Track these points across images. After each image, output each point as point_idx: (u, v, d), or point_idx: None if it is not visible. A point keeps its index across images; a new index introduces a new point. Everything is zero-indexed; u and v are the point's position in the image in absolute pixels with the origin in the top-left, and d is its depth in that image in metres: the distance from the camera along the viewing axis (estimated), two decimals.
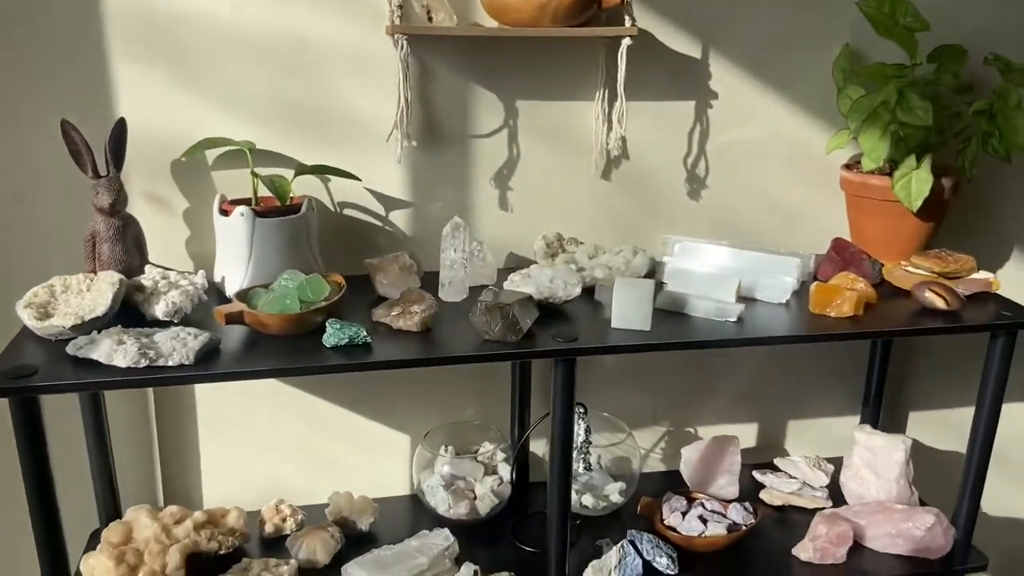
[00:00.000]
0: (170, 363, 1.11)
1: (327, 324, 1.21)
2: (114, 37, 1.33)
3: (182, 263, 1.46)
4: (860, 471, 1.65)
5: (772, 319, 1.35)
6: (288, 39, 1.39)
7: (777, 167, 1.62)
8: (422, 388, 1.63)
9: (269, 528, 1.50)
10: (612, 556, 1.41)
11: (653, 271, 1.49)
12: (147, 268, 1.31)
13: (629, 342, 1.24)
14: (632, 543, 1.45)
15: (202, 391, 1.54)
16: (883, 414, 1.78)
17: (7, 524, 1.53)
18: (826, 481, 1.66)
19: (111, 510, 1.48)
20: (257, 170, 1.37)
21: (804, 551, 1.49)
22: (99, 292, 1.22)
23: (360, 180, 1.44)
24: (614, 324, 1.28)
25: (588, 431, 1.52)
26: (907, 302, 1.41)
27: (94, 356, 1.11)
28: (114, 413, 1.47)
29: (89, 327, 1.18)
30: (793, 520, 1.60)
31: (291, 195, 1.35)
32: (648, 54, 1.49)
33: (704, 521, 1.51)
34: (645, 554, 1.44)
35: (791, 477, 1.68)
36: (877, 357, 1.71)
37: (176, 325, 1.23)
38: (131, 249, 1.33)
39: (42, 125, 1.33)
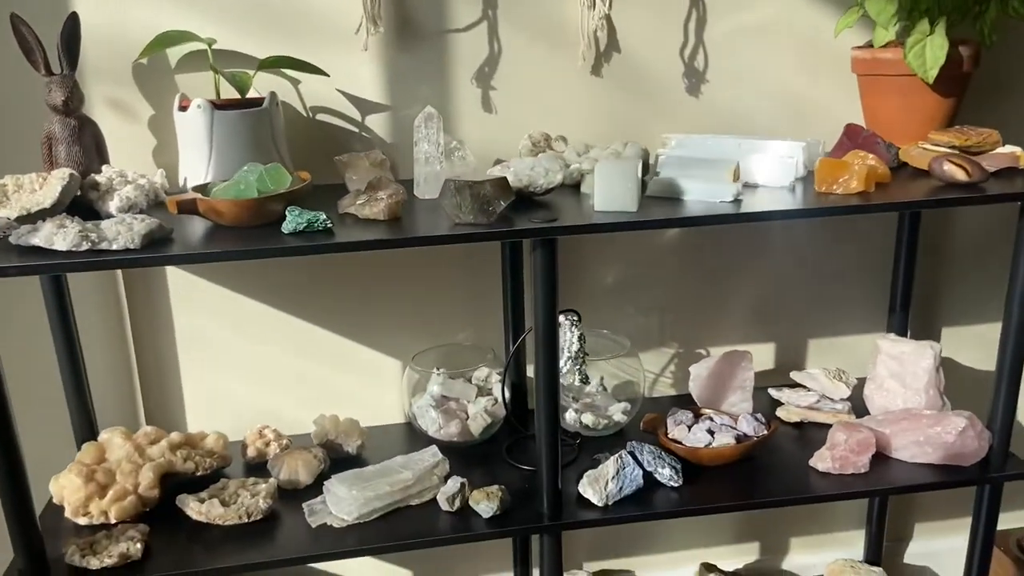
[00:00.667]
0: (114, 247, 1.04)
1: (287, 212, 1.13)
2: None
3: (149, 172, 1.39)
4: (885, 382, 1.53)
5: (774, 201, 1.24)
6: None
7: (782, 55, 1.51)
8: (414, 310, 1.55)
9: (251, 452, 1.43)
10: (609, 466, 1.31)
11: (647, 164, 1.39)
12: (104, 168, 1.25)
13: (614, 222, 1.14)
14: (632, 454, 1.35)
15: (178, 311, 1.48)
16: (911, 330, 1.65)
17: None
18: (847, 393, 1.54)
19: (88, 436, 1.42)
20: (219, 68, 1.30)
21: (822, 461, 1.38)
22: (50, 187, 1.16)
23: (327, 75, 1.36)
24: (597, 207, 1.18)
25: (582, 339, 1.42)
26: (925, 181, 1.29)
27: (35, 242, 1.04)
28: (89, 340, 1.41)
29: (35, 218, 1.11)
30: (812, 435, 1.49)
31: (255, 91, 1.27)
32: None
33: (712, 433, 1.40)
34: (646, 465, 1.34)
35: (809, 391, 1.56)
36: (903, 255, 1.57)
37: None
38: (89, 151, 1.27)
39: None
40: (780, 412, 1.55)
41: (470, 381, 1.53)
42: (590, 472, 1.32)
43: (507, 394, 1.49)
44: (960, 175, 1.23)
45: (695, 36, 1.48)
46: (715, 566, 1.77)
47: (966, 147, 1.30)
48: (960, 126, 1.37)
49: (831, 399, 1.54)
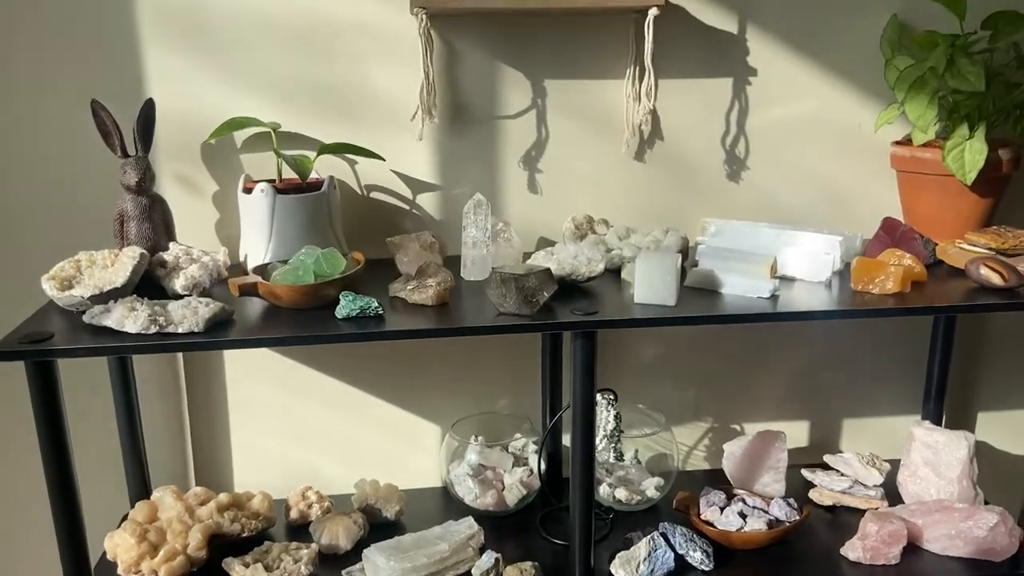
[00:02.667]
0: (180, 330, 1.11)
1: (341, 296, 1.19)
2: (144, 19, 1.36)
3: (211, 246, 1.47)
4: (919, 470, 1.54)
5: (810, 297, 1.27)
6: (313, 20, 1.39)
7: (822, 146, 1.55)
8: (455, 378, 1.60)
9: (294, 514, 1.49)
10: (641, 548, 1.34)
11: (686, 251, 1.43)
12: (171, 245, 1.32)
13: (653, 317, 1.19)
14: (664, 535, 1.38)
15: (232, 376, 1.54)
16: (947, 413, 1.66)
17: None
18: (880, 479, 1.55)
19: (141, 494, 1.49)
20: (281, 151, 1.38)
21: (853, 550, 1.39)
22: (121, 266, 1.24)
23: (384, 160, 1.43)
24: (637, 299, 1.23)
25: (618, 418, 1.45)
26: (961, 281, 1.31)
27: (107, 323, 1.12)
28: (145, 400, 1.48)
29: (107, 297, 1.19)
30: (844, 521, 1.50)
31: (314, 173, 1.34)
32: (680, 29, 1.45)
33: (744, 516, 1.43)
34: (678, 547, 1.37)
35: (842, 475, 1.58)
36: (938, 349, 1.59)
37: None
38: (159, 228, 1.34)
39: (75, 106, 1.37)
40: (813, 494, 1.56)
41: (507, 450, 1.57)
42: (623, 553, 1.35)
43: (543, 466, 1.52)
44: (996, 279, 1.25)
45: (737, 125, 1.53)
46: None
47: (1003, 250, 1.33)
48: (998, 227, 1.39)
49: (864, 485, 1.55)
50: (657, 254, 1.23)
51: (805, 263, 1.34)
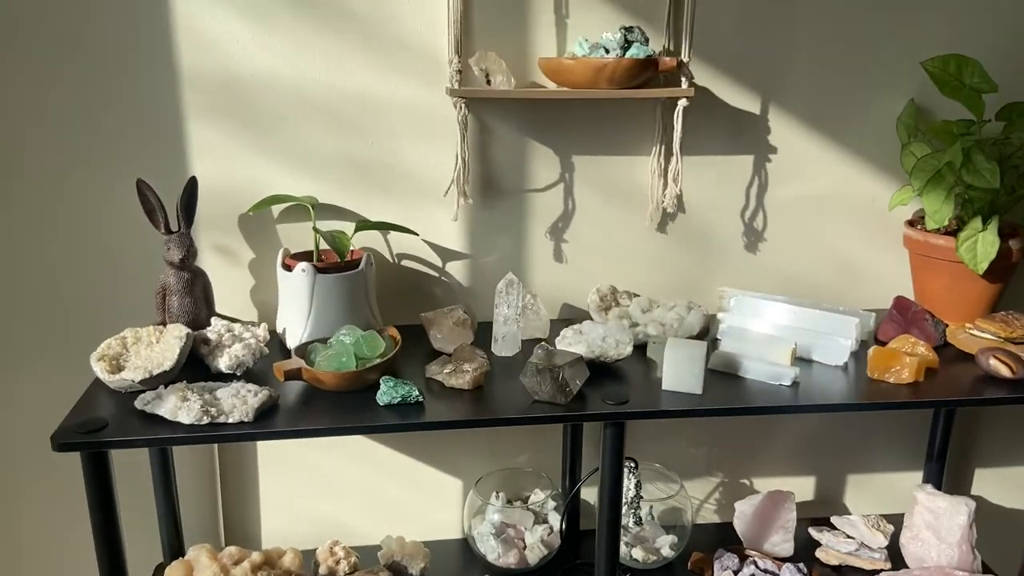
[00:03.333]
0: (231, 420, 1.16)
1: (381, 381, 1.24)
2: (186, 99, 1.40)
3: (247, 311, 1.51)
4: (921, 533, 1.61)
5: (829, 383, 1.33)
6: (350, 98, 1.43)
7: (838, 222, 1.60)
8: (476, 436, 1.65)
9: (323, 570, 1.54)
10: None
11: (707, 328, 1.48)
12: (213, 320, 1.36)
13: (680, 406, 1.24)
14: None
15: None
16: (947, 471, 1.73)
17: (74, 552, 1.61)
18: (885, 543, 1.63)
19: (175, 545, 1.54)
20: (319, 224, 1.42)
21: None
22: (167, 345, 1.28)
23: (418, 235, 1.47)
24: (665, 386, 1.28)
25: (639, 486, 1.52)
26: (970, 367, 1.37)
27: (160, 412, 1.16)
28: (179, 454, 1.53)
29: (157, 381, 1.23)
30: None
31: (351, 249, 1.39)
32: (705, 109, 1.49)
33: None
34: None
35: (848, 537, 1.65)
36: (941, 416, 1.66)
37: (238, 378, 1.28)
38: (199, 301, 1.38)
39: (119, 184, 1.40)
40: (820, 553, 1.63)
41: (527, 505, 1.63)
42: None
43: (563, 527, 1.58)
44: (1004, 371, 1.32)
45: (756, 200, 1.58)
46: None
47: (1011, 338, 1.39)
48: (1006, 312, 1.45)
49: (869, 547, 1.62)
50: (685, 344, 1.28)
51: (823, 347, 1.39)
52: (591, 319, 1.52)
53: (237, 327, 1.35)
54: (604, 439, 1.25)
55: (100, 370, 1.24)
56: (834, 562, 1.62)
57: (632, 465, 1.51)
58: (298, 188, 1.46)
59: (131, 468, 1.53)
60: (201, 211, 1.42)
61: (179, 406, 1.15)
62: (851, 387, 1.32)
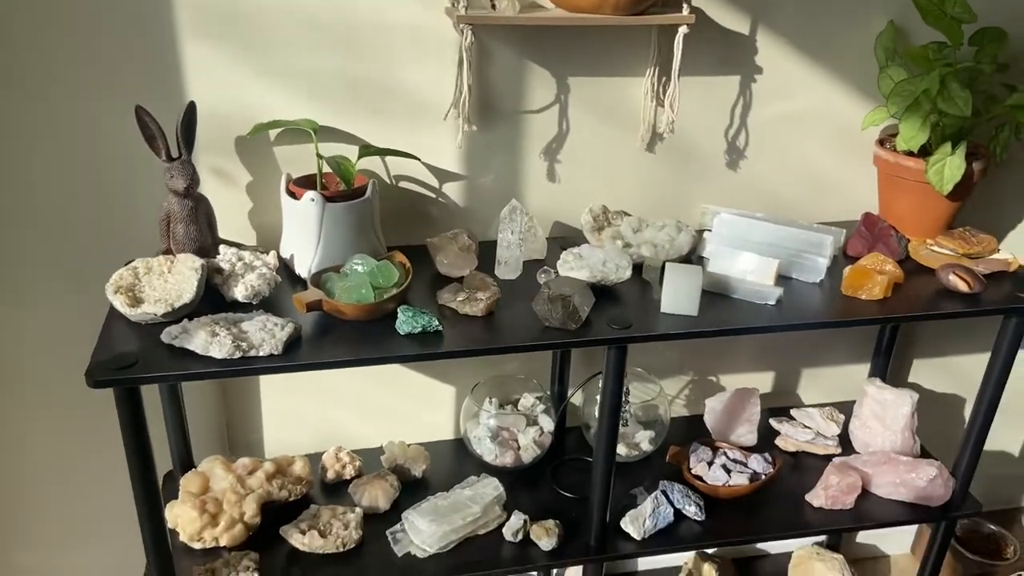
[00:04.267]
0: (261, 353, 1.20)
1: (399, 311, 1.29)
2: (182, 20, 1.35)
3: (246, 234, 1.52)
4: (868, 422, 1.79)
5: (808, 300, 1.44)
6: (346, 18, 1.40)
7: (814, 140, 1.68)
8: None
9: (331, 474, 1.63)
10: (647, 505, 1.55)
11: (695, 247, 1.57)
12: (221, 248, 1.38)
13: (679, 329, 1.34)
14: (664, 493, 1.59)
15: None
16: (892, 363, 1.91)
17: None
18: (837, 431, 1.81)
19: (184, 456, 1.60)
20: (320, 148, 1.42)
21: (817, 498, 1.65)
22: (183, 277, 1.30)
23: (419, 159, 1.49)
24: (664, 309, 1.37)
25: (627, 392, 1.63)
26: (930, 280, 1.51)
27: (190, 347, 1.19)
28: None
29: (179, 313, 1.26)
30: (806, 465, 1.76)
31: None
32: (697, 29, 1.51)
33: (728, 471, 1.66)
34: (676, 503, 1.59)
35: (805, 427, 1.82)
36: (888, 326, 1.82)
37: (255, 307, 1.31)
38: (204, 228, 1.39)
39: (116, 111, 1.37)
40: (779, 441, 1.81)
41: (516, 406, 1.74)
42: (631, 512, 1.56)
43: (553, 426, 1.71)
44: (962, 287, 1.45)
45: (740, 120, 1.64)
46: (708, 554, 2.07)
47: (968, 254, 1.52)
48: (964, 229, 1.58)
49: (824, 435, 1.81)
50: (683, 270, 1.37)
51: (801, 265, 1.50)
52: (583, 237, 1.58)
53: (247, 255, 1.37)
54: (608, 360, 1.35)
55: (120, 303, 1.25)
56: (792, 449, 1.80)
57: None
58: (293, 111, 1.44)
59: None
60: (198, 134, 1.40)
61: (210, 341, 1.19)
62: (828, 304, 1.44)
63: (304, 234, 1.39)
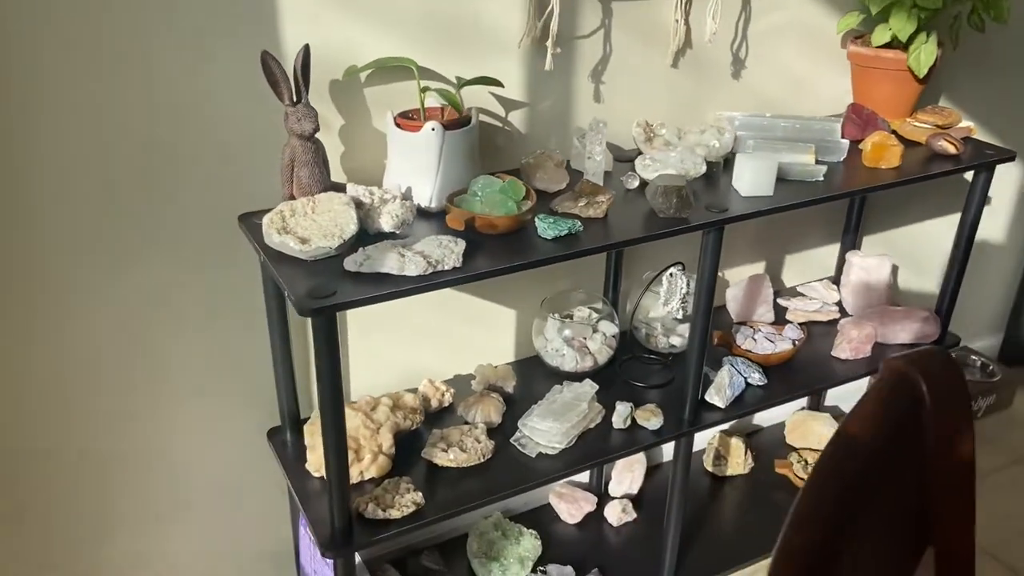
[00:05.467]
0: (447, 267, 1.28)
1: (536, 219, 1.40)
2: None
3: (337, 177, 1.55)
4: (857, 287, 2.11)
5: (842, 175, 1.70)
6: None
7: (793, 46, 1.94)
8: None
9: (434, 403, 1.71)
10: (724, 377, 1.76)
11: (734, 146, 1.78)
12: (348, 186, 1.41)
13: (764, 206, 1.55)
14: (731, 365, 1.81)
15: None
16: (858, 239, 2.24)
17: None
18: (838, 298, 2.11)
19: (292, 408, 1.62)
20: (395, 84, 1.48)
21: (842, 351, 1.93)
22: (336, 212, 1.33)
23: (503, 86, 1.59)
24: (745, 193, 1.58)
25: (689, 284, 1.83)
26: (921, 149, 1.82)
27: (384, 270, 1.25)
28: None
29: (348, 245, 1.30)
30: (819, 331, 2.04)
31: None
32: None
33: (771, 341, 1.90)
34: (742, 373, 1.81)
35: (812, 299, 2.11)
36: (857, 198, 2.14)
37: (399, 236, 1.37)
38: (324, 170, 1.42)
39: (220, 56, 1.36)
40: (790, 315, 2.08)
41: (587, 321, 1.88)
42: (712, 385, 1.76)
43: (616, 330, 1.87)
44: (951, 149, 1.77)
45: (742, 33, 1.86)
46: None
47: (944, 125, 1.84)
48: (933, 106, 1.90)
49: (828, 303, 2.10)
50: (759, 157, 1.58)
51: (824, 148, 1.76)
52: (622, 151, 1.75)
53: (376, 190, 1.42)
54: (705, 244, 1.53)
55: (290, 241, 1.28)
56: (803, 320, 2.07)
57: (682, 267, 1.82)
58: (370, 52, 1.49)
59: (242, 340, 1.57)
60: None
61: (402, 262, 1.25)
62: (860, 175, 1.71)
63: (422, 165, 1.45)
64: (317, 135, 1.40)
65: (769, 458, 2.31)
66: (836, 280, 2.19)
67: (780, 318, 2.06)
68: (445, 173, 1.46)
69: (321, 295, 1.20)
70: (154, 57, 1.34)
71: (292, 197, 1.41)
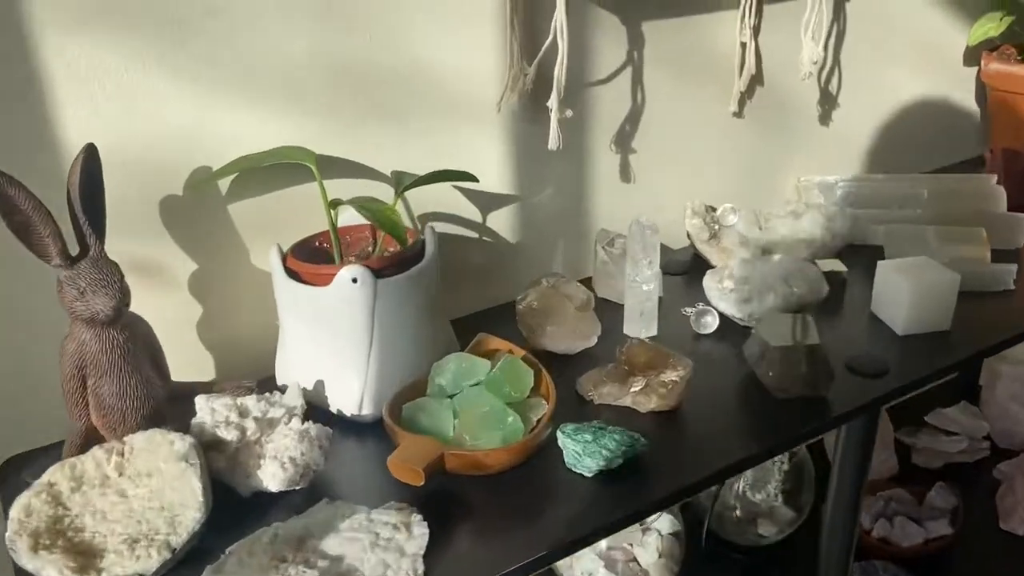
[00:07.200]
0: None
1: (560, 435, 0.74)
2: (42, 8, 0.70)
3: (195, 359, 0.88)
4: (1007, 404, 1.45)
5: None
6: None
7: (905, 69, 1.30)
8: None
9: None
10: None
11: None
12: (198, 401, 0.74)
13: (940, 353, 0.89)
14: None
15: None
16: None
17: None
18: (986, 429, 1.45)
19: None
20: (289, 189, 0.82)
21: (1018, 523, 1.28)
22: (165, 478, 0.66)
23: (478, 181, 0.92)
24: (903, 329, 0.92)
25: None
26: None
27: None
28: None
29: (180, 557, 0.63)
30: (963, 480, 1.38)
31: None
32: None
33: (914, 520, 1.24)
34: None
35: (944, 432, 1.44)
36: None
37: (294, 500, 0.70)
38: (149, 373, 0.75)
39: None
40: (917, 459, 1.42)
41: None
42: None
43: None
44: None
45: (832, 55, 1.22)
46: None
47: None
48: None
49: (975, 438, 1.44)
50: (919, 265, 0.92)
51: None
52: (694, 249, 1.10)
53: (251, 403, 0.74)
54: (844, 432, 0.87)
55: (53, 569, 0.60)
56: (939, 464, 1.41)
57: None
58: (256, 138, 0.83)
59: None
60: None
61: None
62: None
63: (340, 344, 0.79)
64: (125, 310, 0.73)
65: None
66: (973, 399, 1.52)
67: (905, 465, 1.40)
68: (382, 355, 0.79)
69: None
70: None
71: (92, 431, 0.74)
